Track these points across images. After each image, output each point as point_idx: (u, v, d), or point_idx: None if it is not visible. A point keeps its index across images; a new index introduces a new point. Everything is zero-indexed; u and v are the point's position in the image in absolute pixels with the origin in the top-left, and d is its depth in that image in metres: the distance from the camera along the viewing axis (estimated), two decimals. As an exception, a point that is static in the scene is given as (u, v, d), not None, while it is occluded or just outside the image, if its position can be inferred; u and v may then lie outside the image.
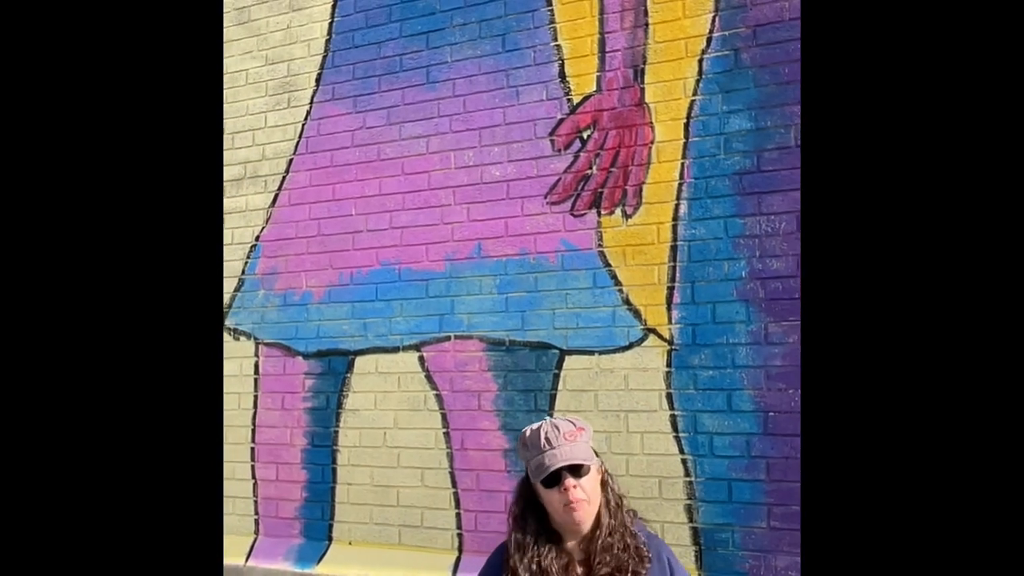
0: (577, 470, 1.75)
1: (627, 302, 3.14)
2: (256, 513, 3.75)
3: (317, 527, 3.60)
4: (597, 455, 1.84)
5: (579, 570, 1.76)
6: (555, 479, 1.75)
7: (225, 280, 3.94)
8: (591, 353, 3.17)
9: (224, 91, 4.07)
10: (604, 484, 1.82)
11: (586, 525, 1.76)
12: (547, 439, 1.77)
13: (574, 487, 1.74)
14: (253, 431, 3.79)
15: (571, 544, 1.79)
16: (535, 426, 1.82)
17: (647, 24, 3.23)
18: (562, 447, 1.75)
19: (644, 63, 3.23)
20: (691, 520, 2.96)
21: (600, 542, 1.74)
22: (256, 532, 3.73)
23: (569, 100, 3.33)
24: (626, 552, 1.74)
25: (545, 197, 3.32)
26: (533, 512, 1.80)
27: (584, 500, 1.74)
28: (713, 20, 3.13)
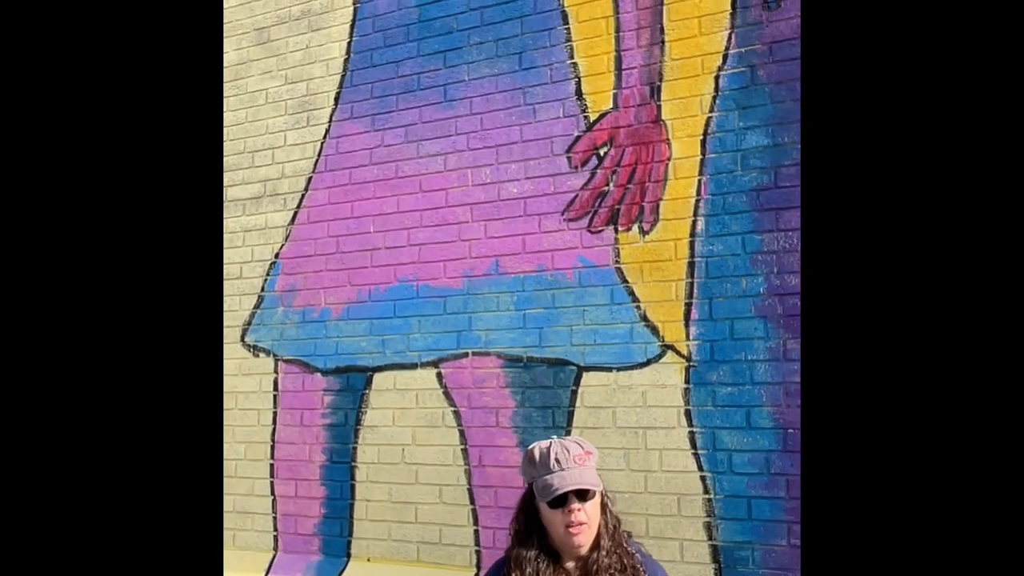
0: (584, 494, 1.77)
1: (645, 318, 3.14)
2: (275, 529, 3.76)
3: (336, 543, 3.61)
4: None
5: None
6: (561, 501, 1.77)
7: (244, 297, 3.98)
8: (609, 370, 3.17)
9: (244, 111, 4.12)
10: (604, 507, 1.85)
11: (585, 548, 1.78)
12: (557, 459, 1.79)
13: (578, 510, 1.76)
14: (272, 447, 3.81)
15: (569, 564, 1.81)
16: (544, 444, 1.84)
17: (663, 42, 3.25)
18: (571, 470, 1.77)
19: (661, 80, 3.24)
20: (710, 538, 2.94)
21: (598, 563, 1.77)
22: (275, 548, 3.74)
23: (586, 117, 3.35)
24: (623, 573, 1.77)
25: (562, 214, 3.33)
26: (535, 529, 1.82)
27: (585, 524, 1.77)
28: (729, 37, 3.14)
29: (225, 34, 4.25)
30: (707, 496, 2.96)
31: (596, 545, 1.79)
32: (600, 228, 3.26)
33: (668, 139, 3.19)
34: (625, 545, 1.82)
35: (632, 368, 3.13)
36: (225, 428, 3.94)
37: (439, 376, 3.49)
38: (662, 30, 3.26)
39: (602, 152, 3.30)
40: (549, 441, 1.85)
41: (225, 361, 3.98)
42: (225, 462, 3.91)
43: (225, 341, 4.00)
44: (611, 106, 3.32)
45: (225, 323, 4.01)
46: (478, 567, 3.29)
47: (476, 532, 3.33)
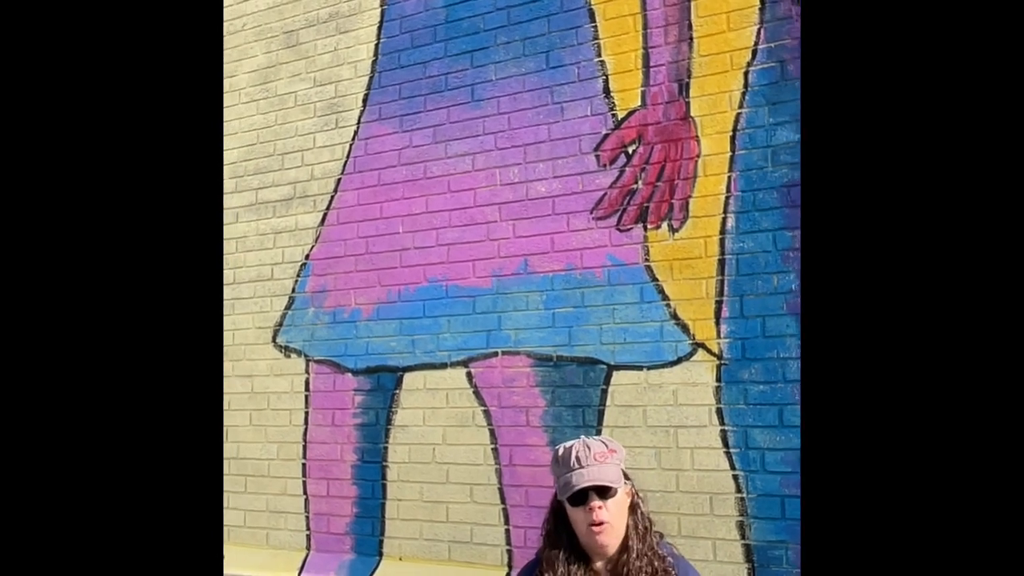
0: (604, 491, 1.76)
1: (675, 316, 3.12)
2: (308, 528, 3.79)
3: (368, 543, 3.63)
4: (628, 478, 1.85)
5: None
6: (581, 498, 1.76)
7: (276, 298, 4.02)
8: (639, 368, 3.16)
9: (274, 114, 4.16)
10: (634, 507, 1.83)
11: (610, 548, 1.77)
12: (577, 458, 1.79)
13: (599, 508, 1.75)
14: (304, 447, 3.84)
15: (599, 565, 1.80)
16: (568, 444, 1.84)
17: (691, 38, 3.23)
18: (591, 467, 1.77)
19: (689, 77, 3.22)
20: (743, 537, 2.92)
21: (627, 566, 1.75)
22: (308, 547, 3.77)
23: (614, 115, 3.34)
24: None
25: (591, 212, 3.32)
26: (565, 530, 1.82)
27: (608, 523, 1.75)
28: (758, 32, 3.11)
29: (254, 38, 4.29)
30: (740, 495, 2.94)
31: (625, 546, 1.78)
32: (629, 226, 3.25)
33: (697, 136, 3.17)
34: (656, 548, 1.81)
35: (663, 366, 3.12)
36: (258, 428, 3.98)
37: (469, 375, 3.50)
38: (690, 26, 3.24)
39: (630, 150, 3.28)
40: (574, 441, 1.85)
41: (257, 362, 4.02)
42: (258, 462, 3.95)
43: (257, 342, 4.04)
44: (639, 103, 3.30)
45: (257, 324, 4.05)
46: (509, 566, 3.30)
47: (507, 531, 3.33)
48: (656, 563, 1.77)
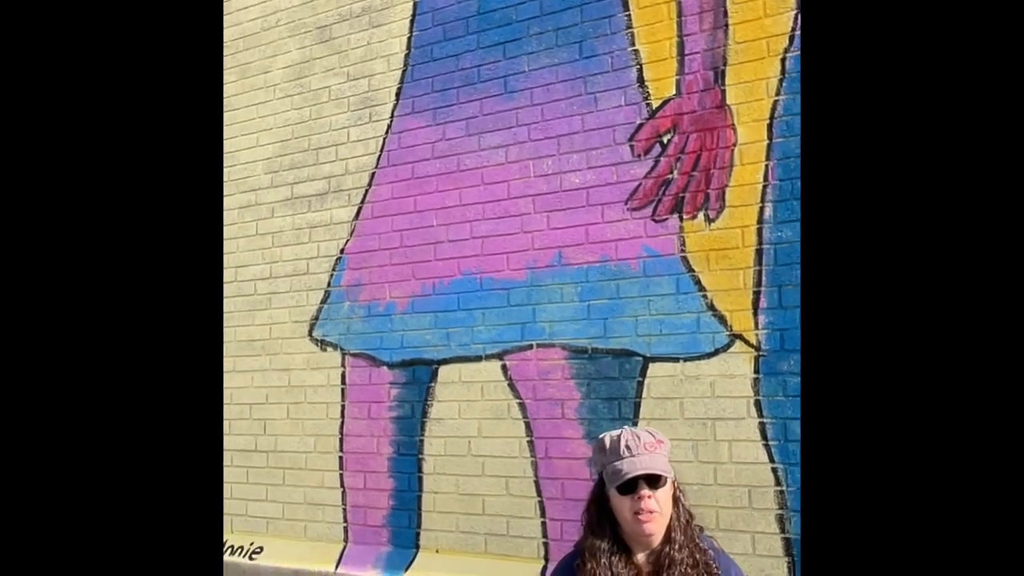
0: (655, 481, 1.75)
1: (712, 307, 3.09)
2: (345, 521, 3.82)
3: (404, 535, 3.65)
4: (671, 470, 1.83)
5: None
6: (631, 487, 1.75)
7: (312, 292, 4.04)
8: (676, 360, 3.13)
9: (308, 109, 4.18)
10: (676, 500, 1.81)
11: (656, 538, 1.76)
12: (627, 446, 1.77)
13: (648, 497, 1.74)
14: (341, 440, 3.87)
15: (640, 557, 1.78)
16: (615, 433, 1.82)
17: (727, 25, 3.18)
18: (642, 456, 1.75)
19: (725, 64, 3.17)
20: (783, 531, 2.88)
21: (670, 557, 1.74)
22: (346, 539, 3.80)
23: (648, 105, 3.30)
24: (695, 568, 1.74)
25: (626, 203, 3.29)
26: (606, 520, 1.80)
27: (656, 512, 1.74)
28: (795, 18, 3.06)
29: (288, 33, 4.32)
30: (779, 488, 2.90)
31: (668, 538, 1.76)
32: (665, 216, 3.21)
33: (733, 124, 3.12)
34: (698, 540, 1.79)
35: (699, 358, 3.08)
36: (295, 422, 4.01)
37: (504, 368, 3.49)
38: (725, 13, 3.19)
39: (665, 139, 3.25)
40: (620, 429, 1.83)
41: (294, 355, 4.05)
42: (295, 455, 3.99)
43: (294, 336, 4.07)
44: (674, 92, 3.26)
45: (293, 318, 4.08)
46: (546, 559, 3.29)
47: (543, 524, 3.32)
48: (697, 555, 1.75)
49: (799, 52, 3.03)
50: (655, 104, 3.29)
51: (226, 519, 4.18)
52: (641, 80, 3.33)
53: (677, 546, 1.75)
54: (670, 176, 3.22)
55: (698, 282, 3.12)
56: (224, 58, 4.55)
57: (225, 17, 4.59)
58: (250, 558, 3.98)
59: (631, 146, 3.31)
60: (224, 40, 4.57)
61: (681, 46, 3.27)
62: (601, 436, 1.86)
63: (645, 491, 1.74)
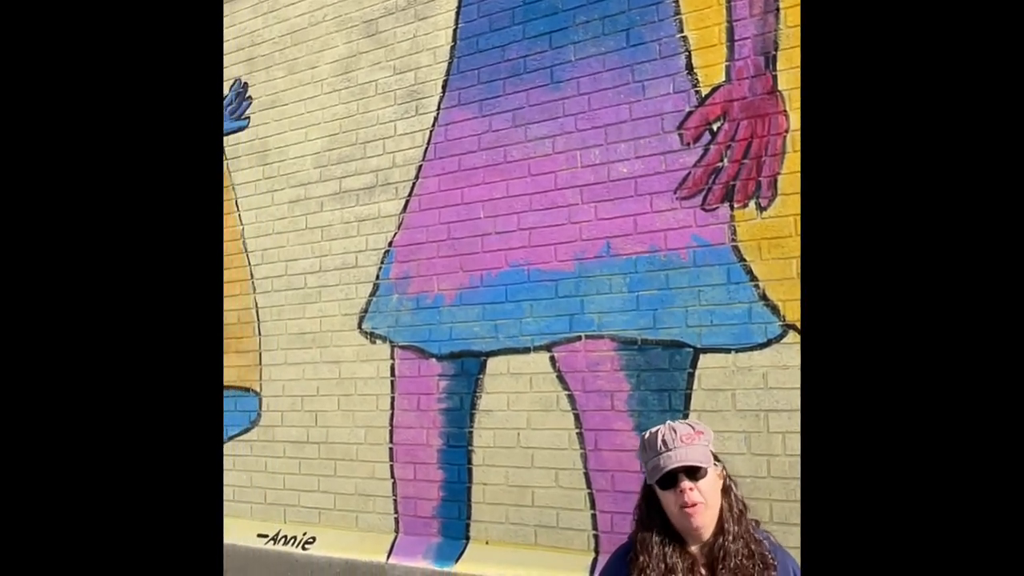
0: (694, 473, 1.74)
1: (764, 297, 3.03)
2: (396, 512, 3.85)
3: (454, 526, 3.66)
4: (719, 460, 1.82)
5: (703, 572, 1.74)
6: (671, 481, 1.75)
7: (361, 285, 4.07)
8: (727, 351, 3.08)
9: (355, 103, 4.21)
10: (726, 490, 1.81)
11: (705, 530, 1.75)
12: (663, 441, 1.77)
13: (690, 489, 1.73)
14: (391, 432, 3.89)
15: (694, 548, 1.77)
16: (654, 429, 1.83)
17: (778, 8, 3.12)
18: (678, 449, 1.75)
19: (776, 49, 3.11)
20: (839, 524, 2.82)
21: (724, 548, 1.73)
22: (396, 530, 3.83)
23: (697, 92, 3.25)
24: (751, 559, 1.72)
25: (675, 192, 3.25)
26: (657, 514, 1.80)
27: (701, 503, 1.73)
28: None
29: (335, 28, 4.35)
30: (835, 481, 2.84)
31: (720, 529, 1.76)
32: (715, 205, 3.16)
33: (785, 110, 3.06)
34: (753, 532, 1.77)
35: (752, 349, 3.04)
36: (345, 413, 4.05)
37: (552, 360, 3.48)
38: (776, -3, 3.12)
39: (715, 127, 3.20)
40: (660, 425, 1.83)
41: (344, 348, 4.09)
42: (346, 446, 4.03)
43: (343, 329, 4.11)
44: (724, 79, 3.21)
45: (343, 311, 4.12)
46: (596, 551, 3.27)
47: (593, 516, 3.31)
48: (753, 546, 1.74)
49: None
50: (704, 91, 3.24)
51: (279, 509, 4.24)
52: (690, 67, 3.28)
53: (731, 537, 1.74)
54: (720, 164, 3.17)
55: (749, 271, 3.07)
56: (273, 54, 4.60)
57: (273, 14, 4.64)
58: (303, 548, 4.04)
59: (680, 134, 3.27)
60: (273, 37, 4.62)
61: (731, 32, 3.21)
62: (643, 433, 1.86)
63: (686, 484, 1.73)
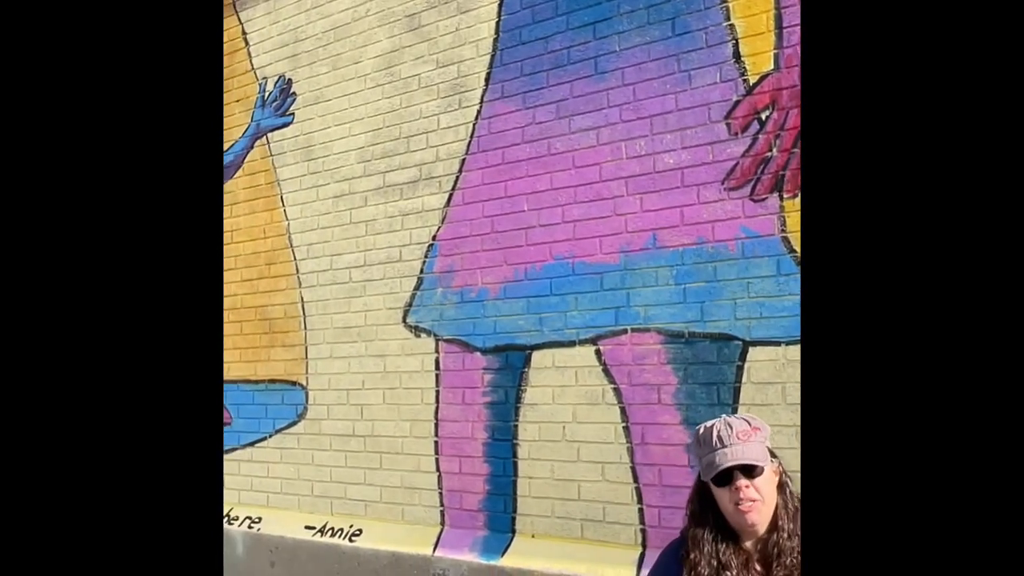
0: (750, 470, 1.71)
1: (815, 289, 2.97)
2: (441, 505, 3.86)
3: (500, 519, 3.66)
4: (775, 456, 1.79)
5: (758, 568, 1.71)
6: (726, 478, 1.72)
7: (405, 279, 4.09)
8: (777, 344, 3.03)
9: (399, 97, 4.21)
10: (782, 486, 1.78)
11: (760, 527, 1.72)
12: (719, 437, 1.74)
13: (746, 487, 1.70)
14: (436, 425, 3.90)
15: (748, 545, 1.75)
16: (709, 423, 1.79)
17: (828, -6, 3.04)
18: (734, 446, 1.72)
19: (826, 35, 3.04)
20: (894, 521, 2.77)
21: (779, 545, 1.70)
22: (442, 523, 3.84)
23: (745, 81, 3.20)
24: None
25: (722, 183, 3.20)
26: (710, 509, 1.78)
27: (758, 501, 1.70)
28: (903, -17, 2.90)
29: (378, 23, 4.36)
30: (889, 476, 2.78)
31: (775, 526, 1.73)
32: (764, 196, 3.11)
33: (836, 98, 2.99)
34: None
35: (802, 342, 2.98)
36: (391, 407, 4.07)
37: (598, 353, 3.45)
38: (827, -18, 3.05)
39: (764, 116, 3.14)
40: (715, 420, 1.80)
41: (389, 342, 4.11)
42: (392, 439, 4.05)
43: (388, 323, 4.12)
44: (772, 67, 3.15)
45: (387, 305, 4.13)
46: (644, 545, 3.25)
47: (640, 510, 3.28)
48: None
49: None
50: (752, 80, 3.19)
51: (326, 502, 4.28)
52: (737, 55, 3.23)
53: (786, 534, 1.71)
54: (769, 154, 3.12)
55: (799, 263, 3.02)
56: (316, 50, 4.62)
57: (315, 10, 4.67)
58: (350, 540, 4.07)
59: (727, 124, 3.22)
60: (316, 33, 4.65)
61: (779, 18, 3.15)
62: (698, 427, 1.83)
63: (742, 481, 1.70)
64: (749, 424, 1.77)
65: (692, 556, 1.75)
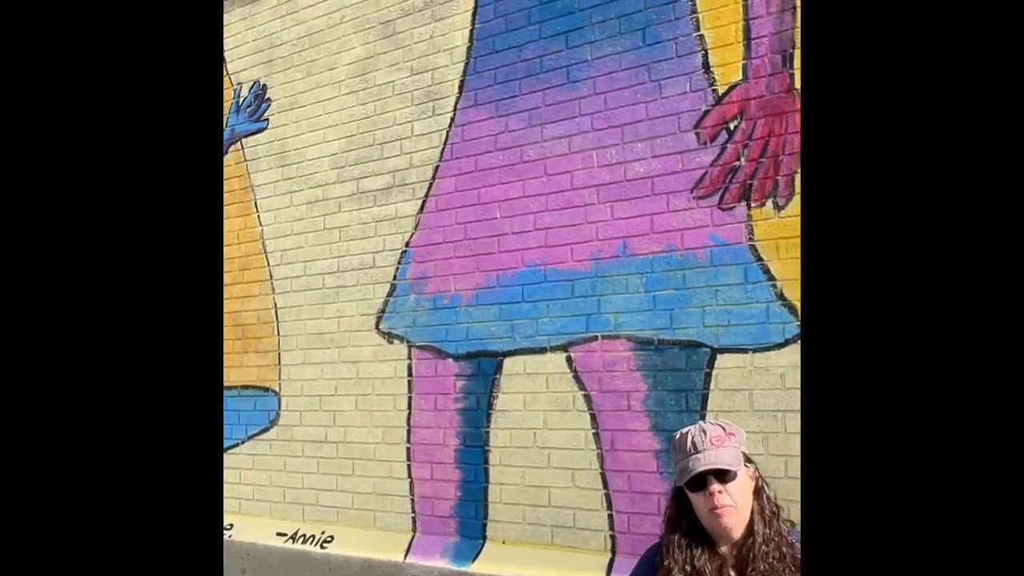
0: (723, 475, 1.72)
1: (782, 297, 3.01)
2: (413, 511, 3.86)
3: (471, 526, 3.67)
4: (750, 461, 1.80)
5: (732, 573, 1.73)
6: (700, 483, 1.73)
7: (378, 286, 4.09)
8: (745, 351, 3.07)
9: (373, 104, 4.22)
10: (758, 491, 1.78)
11: (735, 531, 1.73)
12: (693, 443, 1.76)
13: (719, 492, 1.71)
14: (408, 431, 3.91)
15: (724, 549, 1.76)
16: (685, 430, 1.81)
17: (795, 6, 3.09)
18: (708, 451, 1.73)
19: (793, 47, 3.09)
20: (858, 526, 2.80)
21: (754, 550, 1.70)
22: (414, 529, 3.84)
23: (714, 91, 3.24)
24: (782, 562, 1.70)
25: (691, 192, 3.24)
26: (686, 515, 1.79)
27: (731, 506, 1.72)
28: (868, -4, 2.95)
29: (353, 30, 4.37)
30: (853, 482, 2.81)
31: (751, 531, 1.73)
32: (732, 204, 3.15)
33: (803, 108, 3.04)
34: (786, 534, 1.75)
35: (769, 349, 3.02)
36: (364, 413, 4.07)
37: (569, 360, 3.47)
38: (794, -6, 3.10)
39: (732, 126, 3.18)
40: (691, 426, 1.82)
41: (362, 348, 4.11)
42: (364, 445, 4.05)
43: (361, 329, 4.12)
44: (740, 77, 3.19)
45: (360, 311, 4.14)
46: (613, 551, 3.26)
47: (610, 516, 3.30)
48: (785, 549, 1.71)
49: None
50: (721, 90, 3.23)
51: (298, 508, 4.27)
52: (706, 66, 3.27)
53: (761, 539, 1.71)
54: (737, 163, 3.15)
55: (767, 271, 3.05)
56: (291, 56, 4.63)
57: (291, 16, 4.67)
58: (321, 547, 4.06)
59: (697, 133, 3.25)
60: (291, 39, 4.65)
61: (747, 30, 3.20)
62: (675, 433, 1.85)
63: (715, 486, 1.72)
64: (724, 430, 1.78)
65: (666, 563, 1.76)
